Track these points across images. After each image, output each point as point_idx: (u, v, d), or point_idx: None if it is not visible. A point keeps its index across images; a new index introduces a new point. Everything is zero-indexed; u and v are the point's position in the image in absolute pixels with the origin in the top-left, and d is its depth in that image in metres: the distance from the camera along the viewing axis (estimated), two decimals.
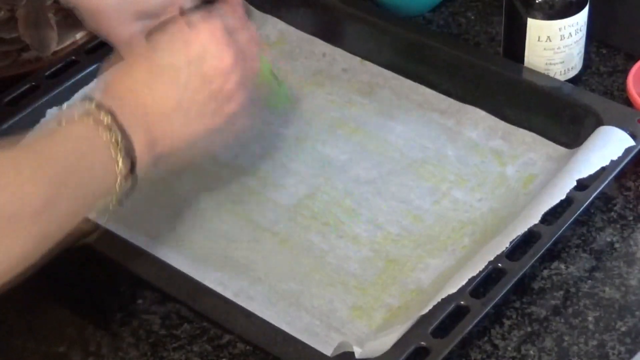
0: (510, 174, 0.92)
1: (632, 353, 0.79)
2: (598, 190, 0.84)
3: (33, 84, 0.98)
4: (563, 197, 0.83)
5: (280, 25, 1.07)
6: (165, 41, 0.80)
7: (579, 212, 0.83)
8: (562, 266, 0.85)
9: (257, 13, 1.08)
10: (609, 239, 0.87)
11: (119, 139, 0.73)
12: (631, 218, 0.89)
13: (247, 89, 0.83)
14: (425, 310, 0.76)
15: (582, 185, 0.84)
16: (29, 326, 0.84)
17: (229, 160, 0.95)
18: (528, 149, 0.93)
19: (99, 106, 0.73)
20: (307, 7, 1.07)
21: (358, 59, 1.03)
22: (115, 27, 0.96)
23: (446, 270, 0.83)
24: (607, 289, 0.84)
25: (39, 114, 0.95)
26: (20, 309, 0.85)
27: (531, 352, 0.79)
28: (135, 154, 0.74)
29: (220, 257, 0.86)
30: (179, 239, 0.88)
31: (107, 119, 0.73)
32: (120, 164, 0.73)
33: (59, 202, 0.69)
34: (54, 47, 1.06)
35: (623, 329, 0.81)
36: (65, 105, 0.75)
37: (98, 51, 1.00)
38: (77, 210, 0.72)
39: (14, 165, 0.67)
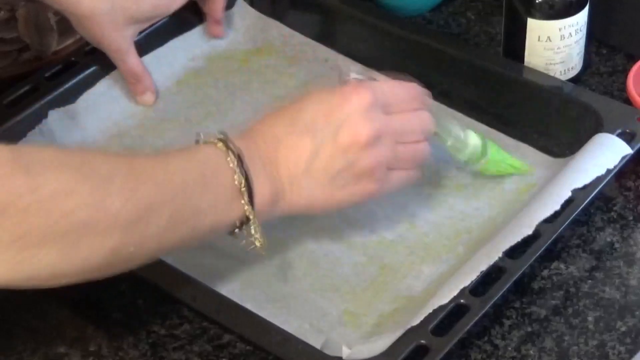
0: (508, 183, 0.91)
1: (632, 353, 0.79)
2: (592, 196, 0.84)
3: (32, 85, 0.98)
4: (557, 207, 0.82)
5: (284, 30, 1.07)
6: (314, 100, 0.79)
7: (581, 206, 0.83)
8: (562, 266, 0.85)
9: (260, 17, 1.08)
10: (609, 239, 0.87)
11: (242, 183, 0.73)
12: (631, 218, 0.89)
13: (405, 173, 0.82)
14: (417, 321, 0.76)
15: (584, 185, 0.84)
16: (29, 326, 0.84)
17: None
18: (526, 160, 0.93)
19: (228, 146, 0.74)
20: (310, 11, 1.07)
21: (360, 65, 1.03)
22: (105, 34, 0.96)
23: (439, 278, 0.83)
24: (607, 289, 0.84)
25: (39, 116, 0.95)
26: (20, 309, 0.85)
27: (531, 352, 0.79)
28: (254, 202, 0.74)
29: (212, 260, 0.86)
30: None
31: (233, 162, 0.73)
32: (245, 205, 0.74)
33: (151, 224, 0.68)
34: (54, 47, 1.06)
35: (623, 329, 0.81)
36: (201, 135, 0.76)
37: (97, 52, 1.00)
38: (174, 237, 0.71)
39: (108, 176, 0.66)
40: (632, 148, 0.88)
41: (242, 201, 0.73)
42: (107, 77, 1.00)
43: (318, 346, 0.77)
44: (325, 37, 1.06)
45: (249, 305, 0.80)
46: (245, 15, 1.08)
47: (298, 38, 1.06)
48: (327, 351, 0.76)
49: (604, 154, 0.87)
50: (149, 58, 1.01)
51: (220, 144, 0.74)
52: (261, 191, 0.75)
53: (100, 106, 0.98)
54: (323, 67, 1.04)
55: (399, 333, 0.75)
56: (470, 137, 0.87)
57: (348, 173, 0.78)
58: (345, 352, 0.75)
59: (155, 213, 0.68)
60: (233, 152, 0.74)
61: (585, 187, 0.84)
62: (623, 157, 0.87)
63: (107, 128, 0.98)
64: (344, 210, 0.89)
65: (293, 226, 0.88)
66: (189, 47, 1.05)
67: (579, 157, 0.87)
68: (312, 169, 0.77)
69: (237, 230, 0.76)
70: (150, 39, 1.02)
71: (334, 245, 0.87)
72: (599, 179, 0.85)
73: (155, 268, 0.82)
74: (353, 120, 0.77)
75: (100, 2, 0.94)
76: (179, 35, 1.05)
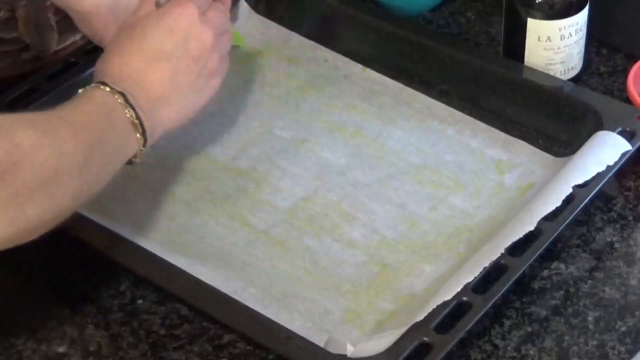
0: (508, 182, 0.92)
1: (632, 353, 0.79)
2: (593, 193, 0.84)
3: (32, 85, 0.98)
4: (559, 204, 0.82)
5: (283, 31, 1.07)
6: (150, 26, 0.85)
7: (583, 203, 0.83)
8: (562, 266, 0.85)
9: (259, 18, 1.08)
10: (609, 239, 0.87)
11: (134, 117, 0.79)
12: (631, 218, 0.89)
13: (226, 60, 0.90)
14: (420, 317, 0.76)
15: (585, 182, 0.84)
16: (29, 326, 0.84)
17: (226, 162, 0.95)
18: (527, 159, 0.93)
19: (112, 88, 0.79)
20: (308, 11, 1.07)
21: (360, 66, 1.03)
22: (108, 31, 0.96)
23: (441, 277, 0.83)
24: (607, 289, 0.84)
25: None
26: (20, 309, 0.85)
27: (531, 352, 0.79)
28: (147, 133, 0.81)
29: (215, 258, 0.86)
30: (173, 240, 0.88)
31: (120, 99, 0.79)
32: (140, 140, 0.80)
33: (91, 163, 0.74)
34: (54, 47, 1.06)
35: (623, 329, 0.81)
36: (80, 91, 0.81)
37: (97, 52, 1.00)
38: (103, 173, 0.77)
39: (52, 128, 0.72)
40: (632, 147, 0.88)
41: (137, 134, 0.80)
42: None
43: (321, 344, 0.77)
44: (324, 37, 1.06)
45: (251, 305, 0.80)
46: (245, 17, 1.08)
47: (297, 39, 1.06)
48: (331, 349, 0.76)
49: (604, 150, 0.87)
50: None
51: (103, 87, 0.79)
52: (145, 121, 0.81)
53: None
54: (322, 67, 1.04)
55: (402, 330, 0.75)
56: None
57: (203, 76, 0.87)
58: (349, 349, 0.76)
59: (93, 152, 0.74)
60: (118, 92, 0.79)
61: (585, 183, 0.84)
62: (623, 154, 0.87)
63: None
64: (344, 209, 0.89)
65: (294, 226, 0.89)
66: None
67: (580, 155, 0.88)
68: (177, 86, 0.84)
69: (133, 159, 0.81)
70: None
71: (336, 244, 0.87)
72: (599, 176, 0.85)
73: (157, 267, 0.82)
74: (195, 31, 0.85)
75: None
76: None
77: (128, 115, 0.79)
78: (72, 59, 1.01)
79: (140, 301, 0.84)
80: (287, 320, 0.79)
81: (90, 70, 0.99)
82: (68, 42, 1.07)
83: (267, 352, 0.79)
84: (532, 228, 0.81)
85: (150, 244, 0.85)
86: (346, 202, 0.91)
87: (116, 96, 0.79)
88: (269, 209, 0.90)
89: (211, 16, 0.88)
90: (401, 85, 1.01)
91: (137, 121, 0.79)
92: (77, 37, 1.07)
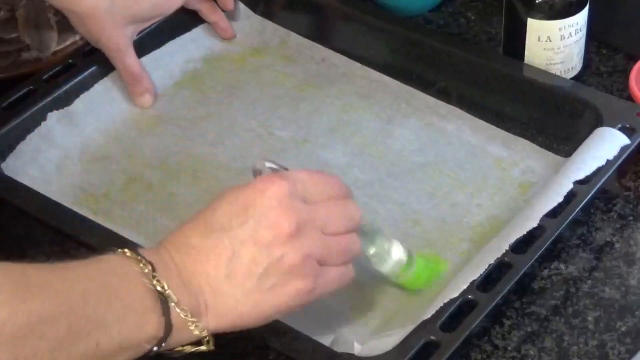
0: (509, 179, 0.92)
1: (632, 353, 0.79)
2: (598, 186, 0.85)
3: (31, 87, 0.97)
4: (561, 200, 0.83)
5: (281, 31, 1.07)
6: (227, 198, 0.70)
7: (585, 200, 0.83)
8: (562, 266, 0.85)
9: (257, 18, 1.08)
10: (608, 239, 0.87)
11: (160, 288, 0.66)
12: (631, 218, 0.89)
13: (337, 265, 0.73)
14: (428, 315, 0.76)
15: (585, 177, 0.85)
16: None
17: (227, 162, 0.95)
18: (527, 156, 0.93)
19: (139, 253, 0.67)
20: (307, 11, 1.07)
21: (358, 64, 1.03)
22: (105, 32, 0.95)
23: (445, 275, 0.83)
24: (607, 288, 0.84)
25: (38, 118, 0.95)
26: None
27: (531, 352, 0.79)
28: (171, 313, 0.66)
29: None
30: None
31: (146, 269, 0.66)
32: (161, 322, 0.66)
33: (45, 336, 0.60)
34: (54, 47, 1.06)
35: (623, 329, 0.81)
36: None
37: (95, 54, 1.00)
38: (77, 350, 0.62)
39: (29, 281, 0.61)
40: (632, 143, 0.88)
41: (158, 313, 0.65)
42: (106, 78, 1.00)
43: (327, 344, 0.77)
44: (323, 37, 1.06)
45: None
46: (242, 16, 1.08)
47: (295, 38, 1.06)
48: (337, 348, 0.76)
49: (603, 145, 0.87)
50: (146, 60, 1.02)
51: (129, 253, 0.67)
52: (179, 301, 0.66)
53: (99, 107, 0.99)
54: (320, 67, 1.04)
55: (409, 328, 0.75)
56: (395, 250, 0.79)
57: (275, 272, 0.69)
58: (357, 348, 0.76)
59: (49, 326, 0.60)
60: (145, 260, 0.66)
61: (586, 179, 0.84)
62: (623, 148, 0.87)
63: (106, 129, 0.98)
64: None
65: None
66: (186, 48, 1.06)
67: (579, 151, 0.88)
68: (233, 272, 0.68)
69: (156, 347, 0.66)
70: (148, 41, 1.02)
71: None
72: (599, 171, 0.85)
73: None
74: (272, 213, 0.68)
75: (101, 0, 0.94)
76: (176, 37, 1.05)
77: (148, 286, 0.65)
78: (70, 61, 1.01)
79: None
80: (291, 320, 0.79)
81: (89, 71, 0.99)
82: (68, 42, 1.07)
83: (267, 352, 0.79)
84: (534, 225, 0.81)
85: (151, 245, 0.85)
86: None
87: (141, 265, 0.66)
88: None
89: (318, 203, 0.71)
90: (400, 84, 1.01)
91: (158, 299, 0.65)
92: (77, 37, 1.07)
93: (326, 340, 0.77)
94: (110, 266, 0.66)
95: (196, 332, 0.68)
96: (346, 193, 0.74)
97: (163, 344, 0.66)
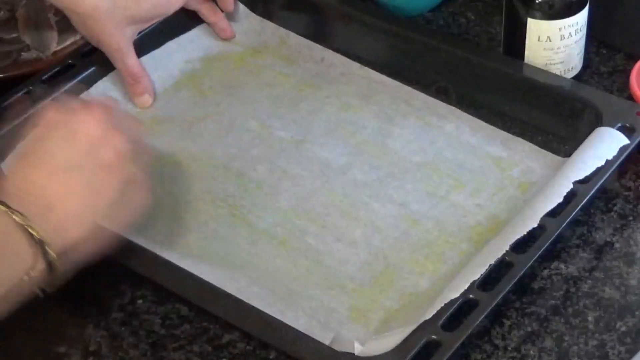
0: (509, 179, 0.92)
1: (632, 353, 0.79)
2: (598, 185, 0.85)
3: (29, 88, 0.98)
4: (561, 200, 0.83)
5: (280, 31, 1.07)
6: (56, 142, 0.78)
7: (586, 199, 0.83)
8: (562, 266, 0.85)
9: (256, 18, 1.08)
10: (608, 239, 0.87)
11: (24, 225, 0.72)
12: (631, 218, 0.89)
13: (133, 162, 0.81)
14: (429, 315, 0.76)
15: (585, 177, 0.85)
16: (29, 326, 0.83)
17: (226, 162, 0.95)
18: (527, 156, 0.93)
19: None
20: (306, 11, 1.07)
21: (357, 64, 1.03)
22: (106, 32, 0.96)
23: (444, 275, 0.83)
24: (607, 288, 0.84)
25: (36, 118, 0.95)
26: (20, 309, 0.85)
27: (531, 352, 0.79)
28: (45, 240, 0.73)
29: (217, 258, 0.86)
30: (175, 240, 0.88)
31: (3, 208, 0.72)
32: (41, 256, 0.72)
33: None
34: (54, 47, 1.06)
35: (623, 329, 0.81)
36: None
37: (94, 55, 1.00)
38: None
39: None
40: (631, 142, 0.88)
41: (29, 243, 0.72)
42: (105, 78, 1.00)
43: (327, 343, 0.77)
44: (322, 37, 1.06)
45: (256, 304, 0.80)
46: (241, 17, 1.08)
47: (294, 38, 1.06)
48: (337, 348, 0.76)
49: (602, 145, 0.88)
50: (145, 59, 1.02)
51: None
52: (43, 227, 0.73)
53: None
54: (320, 67, 1.04)
55: (410, 328, 0.75)
56: None
57: (101, 169, 0.79)
58: (357, 348, 0.76)
59: None
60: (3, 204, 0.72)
61: (586, 178, 0.84)
62: (622, 148, 0.87)
63: None
64: (345, 208, 0.89)
65: (296, 225, 0.89)
66: (185, 49, 1.06)
67: (579, 151, 0.88)
68: (69, 184, 0.77)
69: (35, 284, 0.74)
70: (147, 41, 1.02)
71: (338, 243, 0.87)
72: (599, 170, 0.85)
73: (158, 266, 0.82)
74: (79, 121, 0.79)
75: (102, 0, 0.94)
76: (175, 37, 1.05)
77: (17, 219, 0.71)
78: (70, 61, 1.01)
79: (140, 301, 0.84)
80: (292, 319, 0.79)
81: (88, 72, 0.99)
82: (68, 42, 1.07)
83: (267, 352, 0.79)
84: (535, 225, 0.81)
85: (151, 244, 0.85)
86: (347, 202, 0.91)
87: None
88: (270, 209, 0.90)
89: (94, 109, 0.81)
90: (399, 83, 1.01)
91: (24, 224, 0.72)
92: (77, 37, 1.07)
93: (326, 339, 0.77)
94: None
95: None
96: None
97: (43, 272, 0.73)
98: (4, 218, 0.72)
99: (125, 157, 0.80)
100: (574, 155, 0.88)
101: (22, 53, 1.06)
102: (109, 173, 0.79)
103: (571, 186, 0.84)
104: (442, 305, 0.76)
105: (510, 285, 0.78)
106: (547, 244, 0.81)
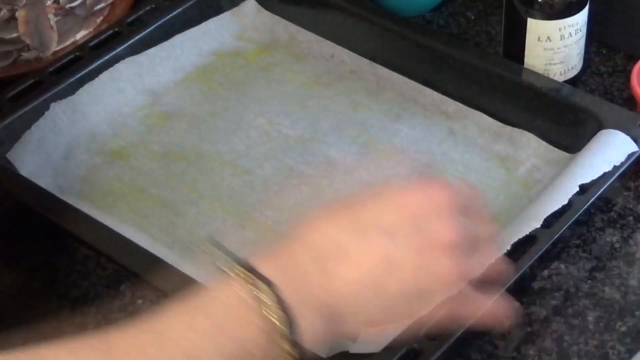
0: (515, 180, 0.92)
1: (632, 353, 0.79)
2: (597, 195, 0.84)
3: (36, 79, 0.98)
4: (565, 201, 0.82)
5: (291, 27, 1.07)
6: (370, 200, 0.63)
7: (577, 215, 0.83)
8: (562, 266, 0.85)
9: (267, 14, 1.08)
10: (609, 239, 0.87)
11: (283, 323, 0.58)
12: (631, 218, 0.89)
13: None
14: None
15: (582, 189, 0.84)
16: (29, 326, 0.83)
17: (233, 160, 0.95)
18: (533, 154, 0.93)
19: (257, 276, 0.58)
20: (316, 8, 1.07)
21: (366, 60, 1.03)
22: None
23: None
24: (607, 289, 0.84)
25: (43, 109, 0.95)
26: (21, 309, 0.85)
27: (531, 352, 0.79)
28: (302, 340, 0.59)
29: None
30: (180, 239, 0.88)
31: (267, 297, 0.57)
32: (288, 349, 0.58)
33: None
34: (54, 47, 1.06)
35: (623, 329, 0.81)
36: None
37: (102, 47, 1.00)
38: None
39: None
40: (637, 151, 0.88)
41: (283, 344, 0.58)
42: (111, 69, 0.99)
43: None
44: (330, 34, 1.05)
45: None
46: (253, 13, 1.08)
47: (304, 35, 1.06)
48: (339, 347, 0.75)
49: (611, 149, 0.87)
50: (156, 50, 1.02)
51: (239, 278, 0.57)
52: (307, 322, 0.59)
53: (105, 99, 0.98)
54: (329, 63, 1.04)
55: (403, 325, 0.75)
56: None
57: (422, 278, 0.62)
58: (351, 345, 0.75)
59: None
60: (261, 288, 0.57)
61: (592, 182, 0.84)
62: (629, 155, 0.87)
63: (113, 120, 0.98)
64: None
65: (300, 223, 0.88)
66: (197, 41, 1.05)
67: (587, 152, 0.87)
68: (384, 277, 0.61)
69: None
70: (159, 33, 1.03)
71: None
72: (605, 175, 0.85)
73: (159, 271, 0.82)
74: (434, 214, 0.62)
75: None
76: (186, 29, 1.05)
77: (273, 318, 0.56)
78: (78, 53, 1.01)
79: (140, 301, 0.84)
80: None
81: (96, 64, 0.99)
82: (68, 42, 1.07)
83: None
84: (538, 225, 0.81)
85: (156, 243, 0.85)
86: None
87: (257, 296, 0.57)
88: (276, 207, 0.90)
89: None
90: (408, 80, 1.00)
91: (284, 329, 0.57)
92: (77, 37, 1.07)
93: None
94: (217, 311, 0.56)
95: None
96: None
97: None
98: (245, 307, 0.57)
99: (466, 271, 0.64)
100: (581, 157, 0.87)
101: (22, 53, 1.06)
102: (436, 287, 0.62)
103: (577, 189, 0.83)
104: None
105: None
106: (537, 256, 0.79)
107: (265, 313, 0.56)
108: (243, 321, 0.56)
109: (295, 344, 0.57)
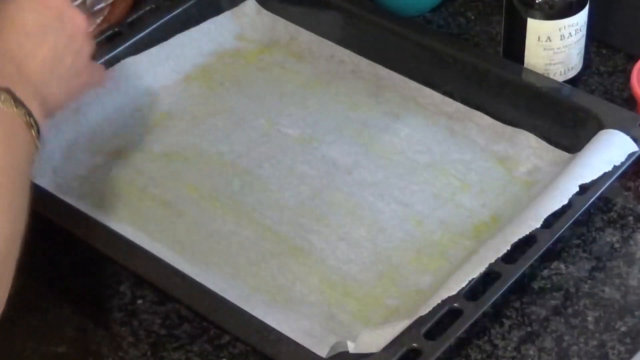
0: (515, 180, 0.92)
1: (632, 353, 0.79)
2: (597, 195, 0.84)
3: None
4: (565, 201, 0.82)
5: (290, 27, 1.07)
6: (24, 6, 0.80)
7: (576, 215, 0.83)
8: (562, 266, 0.85)
9: (267, 14, 1.08)
10: (609, 239, 0.87)
11: (26, 115, 0.73)
12: (631, 218, 0.89)
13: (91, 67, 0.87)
14: (424, 312, 0.76)
15: (582, 189, 0.84)
16: (29, 326, 0.84)
17: (233, 160, 0.95)
18: (533, 154, 0.93)
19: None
20: (316, 9, 1.07)
21: (366, 60, 1.03)
22: None
23: (447, 275, 0.83)
24: (607, 289, 0.84)
25: None
26: (20, 309, 0.85)
27: (531, 352, 0.79)
28: (39, 125, 0.75)
29: (221, 257, 0.86)
30: (180, 239, 0.88)
31: (6, 97, 0.72)
32: (37, 139, 0.74)
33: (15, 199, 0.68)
34: None
35: (623, 329, 0.81)
36: None
37: (102, 47, 1.00)
38: (19, 186, 0.70)
39: None
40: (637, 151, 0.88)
41: (32, 132, 0.74)
42: (111, 69, 0.99)
43: (328, 344, 0.76)
44: (330, 34, 1.05)
45: (256, 302, 0.80)
46: (253, 13, 1.08)
47: (304, 35, 1.06)
48: (340, 348, 0.75)
49: (611, 150, 0.87)
50: (157, 49, 1.02)
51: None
52: (35, 112, 0.75)
53: (105, 98, 0.98)
54: (330, 64, 1.04)
55: (402, 325, 0.75)
56: None
57: (81, 58, 0.83)
58: (350, 346, 0.75)
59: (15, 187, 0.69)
60: (6, 92, 0.73)
61: (592, 182, 0.84)
62: (630, 155, 0.87)
63: (113, 120, 0.98)
64: (350, 208, 0.89)
65: (301, 224, 0.89)
66: (198, 41, 1.05)
67: (587, 153, 0.87)
68: (56, 68, 0.80)
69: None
70: (159, 33, 1.03)
71: (342, 243, 0.87)
72: (605, 175, 0.85)
73: (159, 270, 0.82)
74: (68, 11, 0.81)
75: None
76: (186, 29, 1.05)
77: (23, 116, 0.73)
78: None
79: (140, 301, 0.84)
80: (294, 320, 0.79)
81: (98, 62, 0.99)
82: None
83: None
84: (538, 225, 0.81)
85: (156, 244, 0.86)
86: (352, 201, 0.91)
87: (3, 97, 0.72)
88: (275, 207, 0.90)
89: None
90: (408, 80, 1.00)
91: (30, 119, 0.74)
92: None
93: (327, 343, 0.77)
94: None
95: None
96: None
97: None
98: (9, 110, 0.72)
99: (85, 33, 0.84)
100: (581, 157, 0.87)
101: None
102: (87, 61, 0.84)
103: (577, 189, 0.83)
104: (440, 301, 0.76)
105: (496, 296, 0.77)
106: (536, 256, 0.80)
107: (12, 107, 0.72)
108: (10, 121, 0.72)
109: (35, 123, 0.74)
